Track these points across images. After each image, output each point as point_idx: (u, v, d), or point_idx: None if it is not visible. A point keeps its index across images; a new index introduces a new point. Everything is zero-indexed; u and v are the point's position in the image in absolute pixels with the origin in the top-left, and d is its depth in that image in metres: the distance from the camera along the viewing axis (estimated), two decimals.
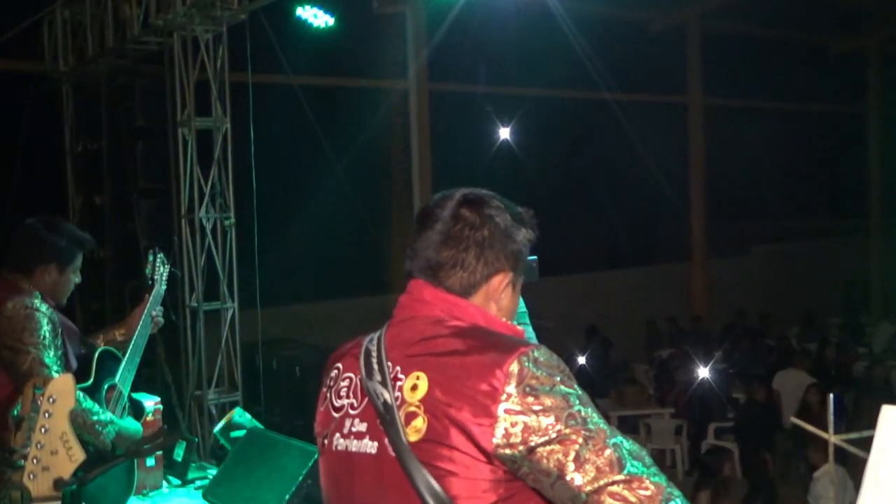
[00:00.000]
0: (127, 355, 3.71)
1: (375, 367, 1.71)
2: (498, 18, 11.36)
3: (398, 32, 11.70)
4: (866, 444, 1.58)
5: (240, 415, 4.65)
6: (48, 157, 9.25)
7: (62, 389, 1.68)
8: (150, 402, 4.21)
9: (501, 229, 1.76)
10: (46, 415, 1.67)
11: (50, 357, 3.26)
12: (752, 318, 14.57)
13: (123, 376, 3.66)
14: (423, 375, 1.63)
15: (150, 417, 4.14)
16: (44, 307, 3.38)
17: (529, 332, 3.74)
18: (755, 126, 16.10)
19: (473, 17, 10.57)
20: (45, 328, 3.30)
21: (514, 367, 1.56)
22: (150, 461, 4.13)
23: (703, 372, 10.16)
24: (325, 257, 11.16)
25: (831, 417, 1.66)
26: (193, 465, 4.69)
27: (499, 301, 1.78)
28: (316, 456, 4.31)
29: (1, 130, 9.29)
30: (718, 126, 15.63)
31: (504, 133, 13.39)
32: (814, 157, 17.18)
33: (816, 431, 1.69)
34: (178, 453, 4.85)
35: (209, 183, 7.04)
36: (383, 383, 1.67)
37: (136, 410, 3.82)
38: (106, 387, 3.60)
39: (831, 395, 1.73)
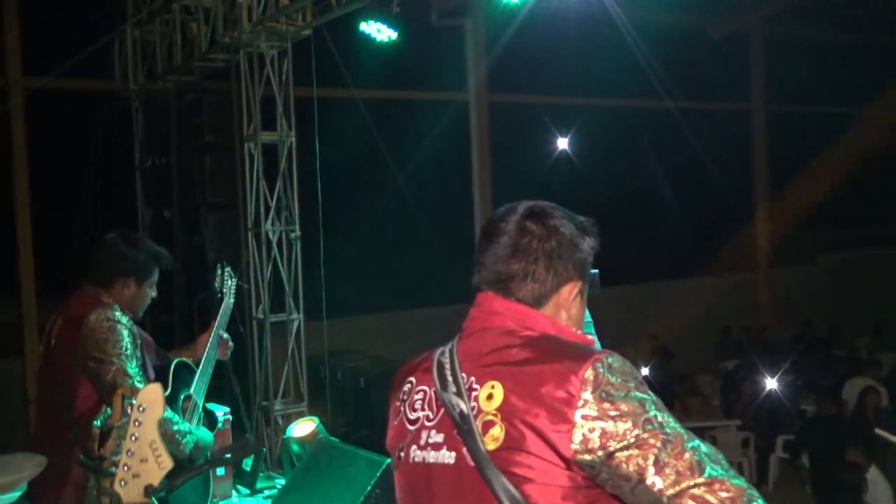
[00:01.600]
0: (200, 367, 3.79)
1: (450, 378, 1.73)
2: (557, 28, 11.32)
3: (458, 45, 11.76)
4: None
5: (319, 425, 4.69)
6: (119, 172, 9.50)
7: (151, 398, 1.73)
8: (220, 413, 4.28)
9: (568, 239, 1.79)
10: (136, 423, 1.71)
11: (133, 367, 3.35)
12: (820, 328, 14.27)
13: (198, 387, 3.74)
14: (498, 384, 1.65)
15: (220, 427, 4.21)
16: (124, 319, 3.48)
17: (596, 343, 3.74)
18: (820, 132, 15.79)
19: (532, 27, 10.58)
20: (127, 340, 3.40)
21: (589, 374, 1.58)
22: (221, 470, 4.20)
23: (771, 383, 9.97)
24: (388, 269, 11.24)
25: None
26: (261, 474, 4.76)
27: (569, 310, 1.81)
28: (384, 465, 4.35)
29: (74, 147, 9.58)
30: (783, 132, 15.37)
31: (563, 143, 13.35)
32: (881, 162, 16.76)
33: None
34: (247, 462, 4.92)
35: (275, 196, 7.17)
36: (458, 394, 1.69)
37: (210, 421, 3.89)
38: (182, 397, 3.68)
39: None
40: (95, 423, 3.40)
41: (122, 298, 3.58)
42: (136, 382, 3.29)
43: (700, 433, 9.96)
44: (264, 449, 5.91)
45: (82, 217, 9.48)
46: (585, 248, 1.83)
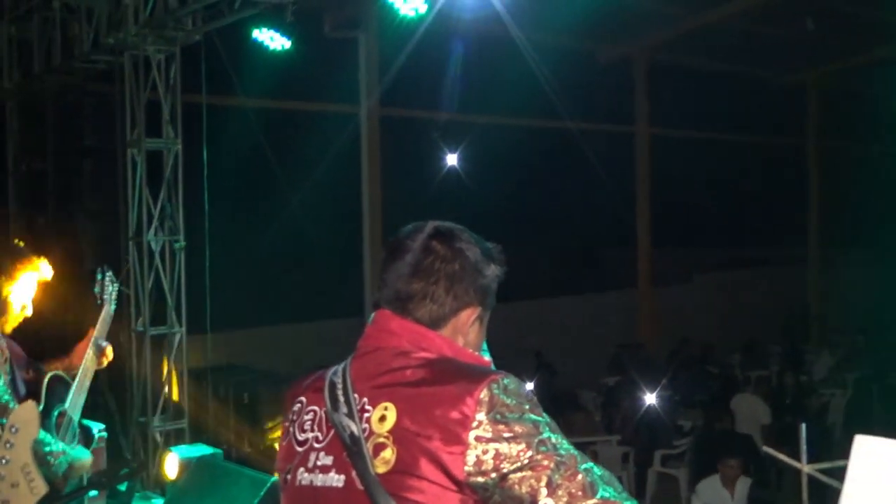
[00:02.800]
0: (77, 380, 3.60)
1: (341, 398, 1.68)
2: (451, 45, 11.43)
3: (352, 57, 11.70)
4: (838, 474, 1.60)
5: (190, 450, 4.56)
6: None
7: (25, 419, 1.62)
8: (95, 430, 4.10)
9: (472, 263, 1.76)
10: (7, 445, 1.61)
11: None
12: (696, 345, 14.76)
13: (74, 402, 3.54)
14: (391, 406, 1.62)
15: (95, 445, 4.03)
16: None
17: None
18: (699, 156, 16.37)
19: (426, 43, 10.62)
20: None
21: (484, 395, 1.56)
22: (93, 491, 4.01)
23: (650, 399, 10.24)
24: (275, 282, 11.04)
25: (804, 447, 1.68)
26: (138, 494, 4.59)
27: (466, 335, 1.78)
28: (268, 485, 4.24)
29: None
30: (664, 156, 15.87)
31: (453, 159, 13.44)
32: (756, 187, 17.54)
33: (789, 461, 1.70)
34: (122, 483, 4.73)
35: (158, 205, 6.94)
36: (350, 415, 1.65)
37: (86, 437, 3.70)
38: (56, 413, 3.48)
39: (803, 425, 1.74)
40: None
41: None
42: (1, 400, 3.09)
43: (582, 448, 10.15)
44: (140, 466, 5.69)
45: None
46: (489, 274, 1.80)
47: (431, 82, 12.39)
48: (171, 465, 4.69)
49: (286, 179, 9.68)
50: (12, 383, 3.27)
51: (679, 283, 17.45)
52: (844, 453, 1.60)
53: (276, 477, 3.64)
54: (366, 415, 1.64)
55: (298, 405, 1.80)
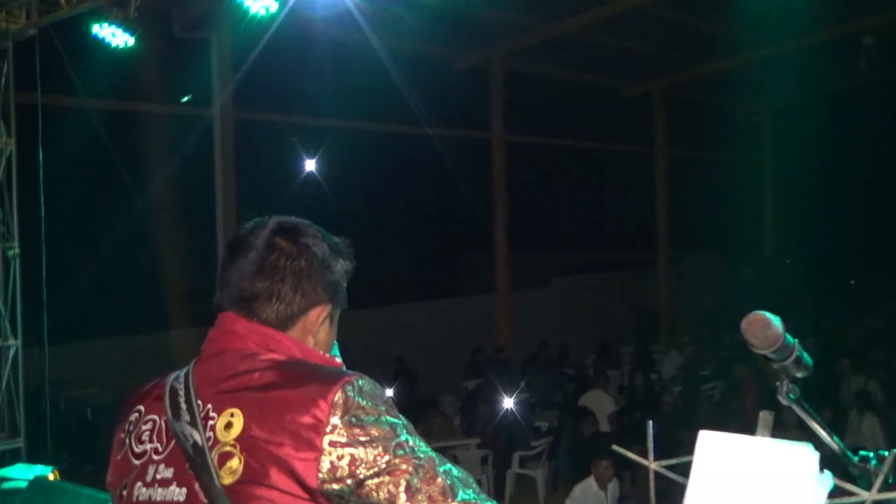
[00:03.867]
0: None
1: (183, 406, 1.56)
2: (307, 47, 11.27)
3: (204, 58, 11.34)
4: (684, 469, 1.60)
5: (21, 470, 4.29)
6: None
7: None
8: None
9: (319, 259, 1.67)
10: None
11: None
12: (554, 347, 15.08)
13: None
14: (237, 412, 1.51)
15: None
16: None
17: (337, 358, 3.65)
18: (554, 163, 16.78)
19: (281, 45, 10.41)
20: None
21: (338, 397, 1.48)
22: None
23: (507, 402, 10.36)
24: (124, 290, 10.57)
25: (650, 444, 1.67)
26: None
27: (316, 335, 1.69)
28: None
29: None
30: (520, 162, 16.15)
31: (311, 164, 13.27)
32: (608, 193, 18.13)
33: (636, 458, 1.69)
34: None
35: None
36: (192, 423, 1.53)
37: None
38: None
39: (650, 422, 1.74)
40: None
41: None
42: None
43: (442, 453, 10.20)
44: None
45: None
46: (338, 270, 1.72)
47: (287, 86, 12.19)
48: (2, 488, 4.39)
49: (135, 184, 9.27)
50: None
51: (536, 287, 17.81)
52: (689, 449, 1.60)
53: None
54: (210, 422, 1.53)
55: (136, 414, 1.66)
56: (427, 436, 8.02)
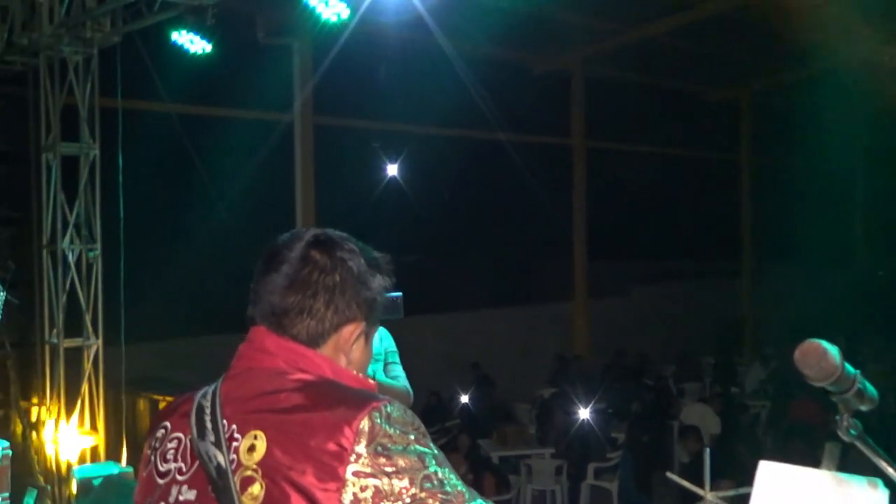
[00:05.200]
0: None
1: (209, 425, 1.51)
2: (385, 54, 11.31)
3: (285, 64, 11.49)
4: (743, 500, 1.50)
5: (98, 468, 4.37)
6: None
7: None
8: None
9: (354, 275, 1.60)
10: None
11: None
12: (632, 357, 14.83)
13: None
14: (261, 434, 1.45)
15: None
16: None
17: (398, 371, 3.60)
18: (636, 169, 16.50)
19: (361, 52, 10.49)
20: None
21: (364, 425, 1.41)
22: None
23: (584, 412, 10.20)
24: (203, 291, 10.76)
25: (707, 472, 1.57)
26: None
27: (349, 353, 1.62)
28: None
29: None
30: (600, 168, 15.95)
31: (391, 170, 13.33)
32: (690, 201, 17.73)
33: (691, 487, 1.60)
34: (29, 501, 4.53)
35: (74, 212, 6.68)
36: (217, 444, 1.48)
37: None
38: None
39: (707, 450, 1.64)
40: None
41: None
42: None
43: (516, 461, 10.10)
44: (48, 486, 5.43)
45: None
46: (375, 286, 1.64)
47: (367, 92, 12.25)
48: (76, 484, 4.50)
49: (215, 187, 9.43)
50: None
51: (615, 296, 17.54)
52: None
53: None
54: (234, 444, 1.47)
55: (162, 430, 1.61)
56: (501, 444, 7.95)
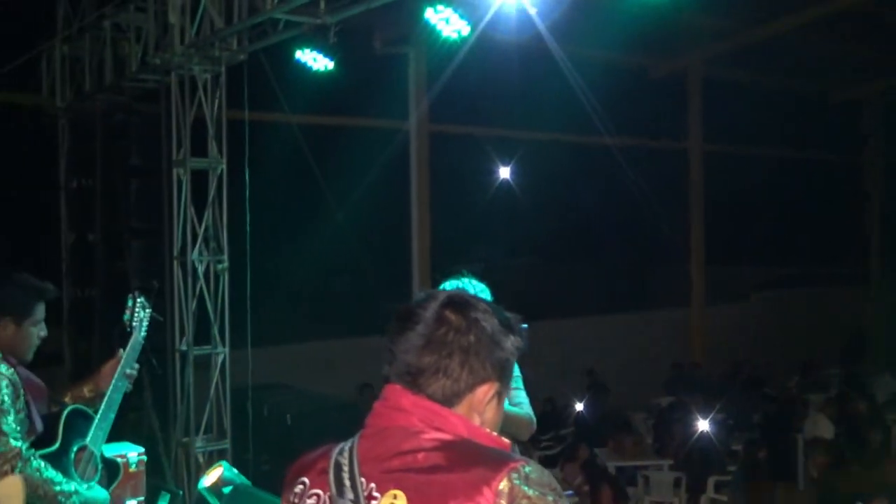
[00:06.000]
0: (100, 412, 3.50)
1: (347, 483, 1.56)
2: (500, 61, 11.30)
3: (401, 73, 11.64)
4: None
5: (227, 469, 4.48)
6: (43, 191, 9.16)
7: (8, 493, 1.52)
8: (134, 454, 4.03)
9: (488, 335, 1.63)
10: None
11: (9, 424, 3.04)
12: (751, 366, 14.40)
13: (95, 436, 3.45)
14: (400, 494, 1.49)
15: (133, 469, 3.97)
16: (2, 367, 3.16)
17: (522, 398, 3.58)
18: (755, 172, 16.05)
19: (476, 59, 10.51)
20: (4, 392, 3.09)
21: (503, 486, 1.43)
22: None
23: (703, 424, 9.95)
24: (321, 298, 11.02)
25: None
26: None
27: (483, 413, 1.63)
28: None
29: None
30: (718, 172, 15.57)
31: (504, 174, 13.33)
32: (813, 204, 17.12)
33: None
34: None
35: (203, 225, 6.93)
36: (356, 502, 1.53)
37: (111, 471, 3.60)
38: (75, 448, 3.40)
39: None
40: None
41: (1, 341, 3.29)
42: (10, 440, 3.01)
43: (633, 472, 9.94)
44: (181, 492, 5.64)
45: (2, 235, 9.09)
46: (508, 347, 1.66)
47: (481, 98, 12.29)
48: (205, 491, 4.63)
49: (333, 196, 9.63)
50: (27, 420, 3.20)
51: (731, 302, 17.09)
52: None
53: None
54: (373, 502, 1.52)
55: (301, 486, 1.66)
56: (618, 454, 7.80)
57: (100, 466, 3.49)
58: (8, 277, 3.40)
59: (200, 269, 6.94)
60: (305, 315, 11.16)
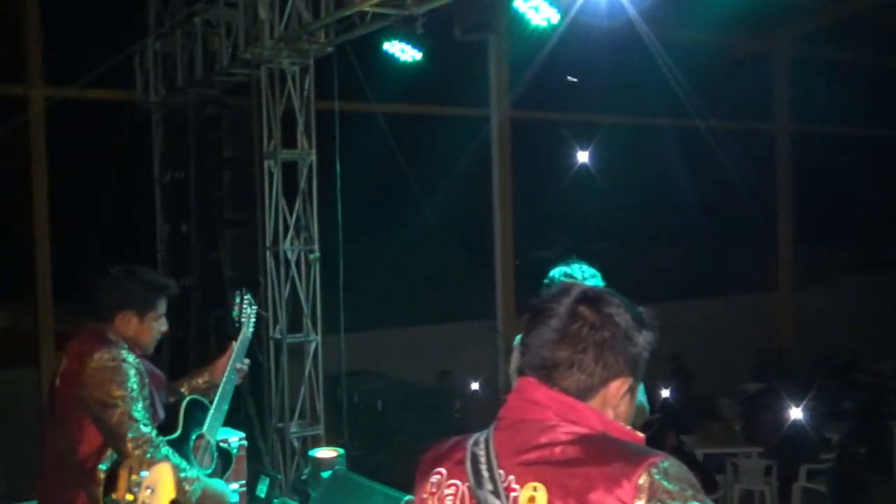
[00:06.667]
0: (214, 403, 3.64)
1: (485, 474, 1.60)
2: (582, 44, 11.20)
3: (482, 60, 11.65)
4: None
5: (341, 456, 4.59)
6: (138, 184, 9.45)
7: (159, 478, 1.60)
8: (235, 439, 4.17)
9: (623, 330, 1.66)
10: None
11: (138, 410, 3.20)
12: (842, 351, 14.05)
13: (211, 425, 3.58)
14: (540, 486, 1.52)
15: (235, 454, 4.10)
16: (130, 358, 3.32)
17: (640, 396, 3.58)
18: (843, 153, 15.61)
19: (557, 43, 10.45)
20: (133, 380, 3.24)
21: (644, 480, 1.45)
22: (234, 496, 4.08)
23: (795, 412, 9.77)
24: (407, 285, 11.13)
25: None
26: (276, 501, 4.65)
27: (616, 408, 1.66)
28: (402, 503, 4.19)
29: (95, 157, 9.54)
30: (806, 153, 15.20)
31: (584, 158, 13.23)
32: None
33: None
34: (262, 489, 4.81)
35: (294, 215, 7.07)
36: (495, 493, 1.56)
37: (225, 460, 3.74)
38: (194, 437, 3.54)
39: None
40: (101, 466, 3.26)
41: (125, 333, 3.44)
42: (141, 426, 3.16)
43: (721, 459, 9.82)
44: (280, 475, 5.79)
45: (100, 227, 9.43)
46: (641, 342, 1.69)
47: (563, 83, 12.22)
48: (304, 475, 4.74)
49: (417, 183, 9.71)
50: (151, 406, 3.35)
51: (820, 285, 16.67)
52: None
53: (408, 496, 3.60)
54: (512, 494, 1.55)
55: (437, 476, 1.71)
56: (706, 441, 7.73)
57: (215, 455, 3.63)
58: (132, 273, 3.55)
59: (292, 259, 7.09)
60: (387, 302, 11.29)
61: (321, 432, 7.05)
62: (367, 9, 6.11)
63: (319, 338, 7.09)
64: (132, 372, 3.26)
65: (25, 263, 9.33)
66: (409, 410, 7.35)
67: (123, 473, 1.63)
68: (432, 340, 10.73)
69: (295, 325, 7.14)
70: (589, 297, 1.67)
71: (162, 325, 3.58)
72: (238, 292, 3.96)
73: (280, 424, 7.05)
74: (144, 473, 1.62)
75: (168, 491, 1.61)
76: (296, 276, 7.09)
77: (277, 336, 7.05)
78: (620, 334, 1.65)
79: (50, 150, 9.24)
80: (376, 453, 7.72)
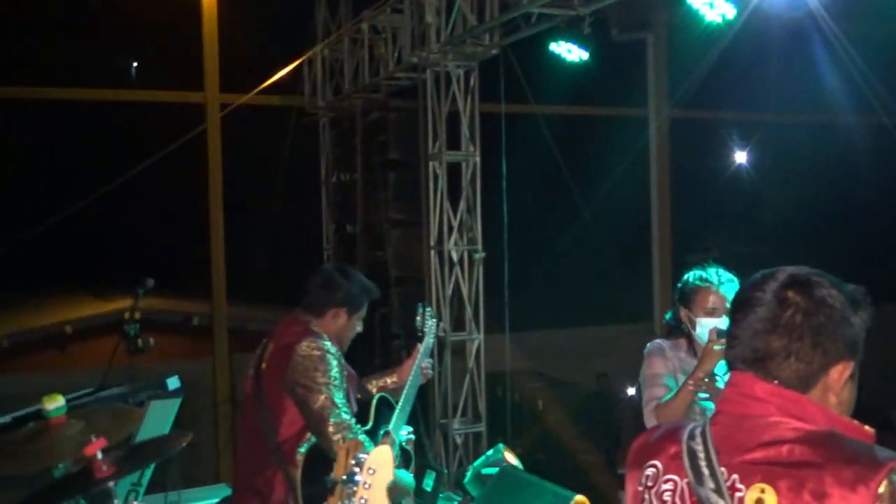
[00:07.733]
0: (400, 403, 3.76)
1: (705, 471, 1.54)
2: (747, 41, 10.86)
3: (640, 60, 11.48)
4: None
5: (496, 451, 4.64)
6: (306, 186, 9.84)
7: (382, 461, 1.67)
8: (404, 432, 4.29)
9: (838, 313, 1.57)
10: (366, 486, 1.65)
11: (340, 398, 3.36)
12: None
13: (396, 424, 3.71)
14: (769, 489, 1.46)
15: (403, 446, 4.21)
16: (333, 349, 3.50)
17: None
18: None
19: (717, 40, 10.16)
20: (336, 370, 3.42)
21: (884, 489, 1.38)
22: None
23: None
24: (566, 287, 11.11)
25: None
26: (442, 496, 4.73)
27: (839, 394, 1.58)
28: (570, 502, 4.19)
29: (266, 160, 10.00)
30: None
31: (743, 159, 12.84)
32: None
33: None
34: (428, 483, 4.90)
35: (458, 215, 7.19)
36: (718, 492, 1.51)
37: (406, 459, 3.86)
38: (381, 433, 3.67)
39: None
40: (300, 449, 3.44)
41: (331, 329, 3.62)
42: (342, 413, 3.31)
43: None
44: (445, 470, 5.92)
45: (270, 227, 9.87)
46: (857, 322, 1.59)
47: (724, 81, 11.88)
48: (470, 472, 4.81)
49: (576, 184, 9.69)
50: (347, 399, 3.50)
51: None
52: None
53: (576, 495, 3.59)
54: (737, 494, 1.49)
55: (652, 470, 1.66)
56: None
57: (399, 453, 3.76)
58: (348, 274, 3.75)
59: (456, 258, 7.21)
60: (545, 303, 11.29)
61: (483, 430, 7.14)
62: (534, 10, 6.14)
63: (482, 337, 7.18)
64: (335, 362, 3.45)
65: (202, 261, 9.87)
66: (569, 411, 7.32)
67: (342, 455, 1.71)
68: (590, 342, 10.66)
69: (458, 323, 7.26)
70: (798, 281, 1.59)
71: (359, 327, 3.76)
72: (421, 305, 4.11)
73: (443, 421, 7.19)
74: (364, 455, 1.68)
75: (387, 474, 1.67)
76: (459, 275, 7.21)
77: (441, 334, 7.18)
78: (837, 316, 1.56)
79: (224, 154, 9.74)
80: (538, 453, 7.74)
